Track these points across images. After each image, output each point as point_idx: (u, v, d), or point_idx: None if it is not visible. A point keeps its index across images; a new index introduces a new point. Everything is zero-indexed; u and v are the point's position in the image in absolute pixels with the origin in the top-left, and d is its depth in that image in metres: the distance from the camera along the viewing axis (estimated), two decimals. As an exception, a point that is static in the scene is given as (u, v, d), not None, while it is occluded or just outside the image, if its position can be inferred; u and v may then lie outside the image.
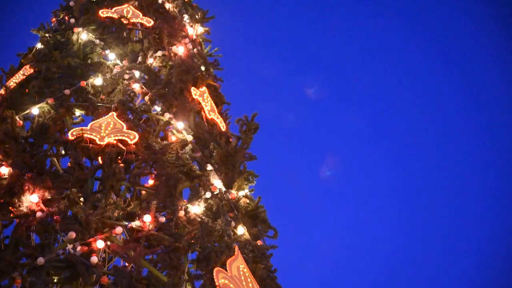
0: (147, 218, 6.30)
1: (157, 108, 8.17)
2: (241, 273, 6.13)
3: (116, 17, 9.65)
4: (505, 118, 26.86)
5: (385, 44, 30.43)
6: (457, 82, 29.15)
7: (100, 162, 7.34)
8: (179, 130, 7.92)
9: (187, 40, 9.80)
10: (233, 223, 7.08)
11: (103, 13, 9.64)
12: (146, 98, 8.32)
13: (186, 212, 6.86)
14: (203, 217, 6.88)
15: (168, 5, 10.56)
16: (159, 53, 9.13)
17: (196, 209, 6.94)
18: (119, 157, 7.10)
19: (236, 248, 6.43)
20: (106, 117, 7.51)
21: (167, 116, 8.05)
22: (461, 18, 28.42)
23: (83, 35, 9.00)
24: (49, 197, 6.14)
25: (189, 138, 7.85)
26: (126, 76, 8.40)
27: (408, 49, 30.09)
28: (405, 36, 30.16)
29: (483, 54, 27.64)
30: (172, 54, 9.32)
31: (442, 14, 29.04)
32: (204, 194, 7.11)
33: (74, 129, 7.31)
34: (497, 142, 26.92)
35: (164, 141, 7.81)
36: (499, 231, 24.48)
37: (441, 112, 29.21)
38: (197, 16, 10.87)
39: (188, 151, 7.67)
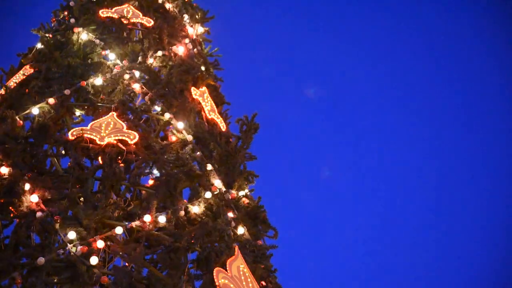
0: (147, 218, 6.31)
1: (157, 108, 8.16)
2: (241, 273, 6.13)
3: (116, 17, 9.64)
4: (502, 119, 26.90)
5: (383, 44, 30.44)
6: (454, 82, 29.19)
7: (100, 162, 7.34)
8: (179, 130, 7.92)
9: (187, 40, 9.80)
10: (233, 223, 7.07)
11: (103, 13, 9.63)
12: (146, 98, 8.32)
13: (186, 212, 6.87)
14: (203, 217, 6.88)
15: (168, 5, 10.56)
16: (159, 53, 9.12)
17: (196, 209, 6.94)
18: (119, 157, 7.10)
19: (236, 248, 6.43)
20: (106, 117, 7.51)
21: (167, 116, 8.05)
22: (460, 18, 28.45)
23: (83, 35, 8.99)
24: (49, 197, 6.15)
25: (189, 138, 7.85)
26: (126, 76, 8.40)
27: (406, 50, 30.11)
28: (403, 36, 30.19)
29: (482, 54, 27.66)
30: (172, 54, 9.33)
31: (441, 14, 29.07)
32: (204, 194, 7.12)
33: (74, 129, 7.30)
34: (495, 143, 26.96)
35: (164, 141, 7.81)
36: (496, 231, 24.52)
37: (439, 112, 29.25)
38: (197, 16, 10.87)
39: (188, 151, 7.66)
